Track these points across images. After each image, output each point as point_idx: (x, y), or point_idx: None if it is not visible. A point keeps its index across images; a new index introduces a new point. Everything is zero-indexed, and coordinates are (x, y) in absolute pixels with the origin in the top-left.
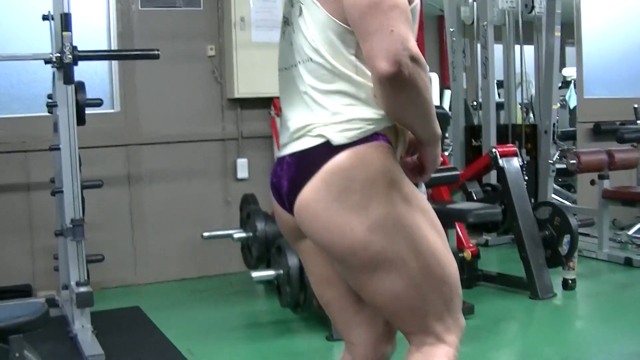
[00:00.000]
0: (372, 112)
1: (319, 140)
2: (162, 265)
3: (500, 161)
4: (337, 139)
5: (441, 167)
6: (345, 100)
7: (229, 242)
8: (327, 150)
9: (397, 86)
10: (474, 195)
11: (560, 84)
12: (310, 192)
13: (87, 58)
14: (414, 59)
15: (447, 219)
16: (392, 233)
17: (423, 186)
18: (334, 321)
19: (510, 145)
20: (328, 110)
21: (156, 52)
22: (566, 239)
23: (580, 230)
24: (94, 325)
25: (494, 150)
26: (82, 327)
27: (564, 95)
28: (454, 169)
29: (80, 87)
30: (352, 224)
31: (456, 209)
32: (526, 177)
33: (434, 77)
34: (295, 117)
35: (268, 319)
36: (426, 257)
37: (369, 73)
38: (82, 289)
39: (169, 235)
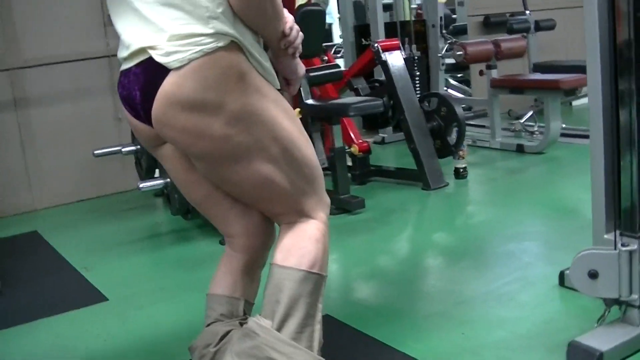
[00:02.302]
0: (205, 28)
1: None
2: (58, 188)
3: (382, 55)
4: (172, 62)
5: (324, 65)
6: (178, 13)
7: (125, 159)
8: None
9: None
10: (360, 91)
11: None
12: (165, 96)
13: None
14: None
15: (331, 114)
16: (248, 124)
17: None
18: (210, 218)
19: (393, 39)
20: (160, 26)
21: None
22: (454, 128)
23: (475, 121)
24: None
25: (375, 45)
26: None
27: None
28: (336, 66)
29: None
30: (210, 121)
31: (337, 104)
32: (417, 72)
33: None
34: (128, 32)
35: (163, 229)
36: (284, 143)
37: None
38: None
39: (63, 157)
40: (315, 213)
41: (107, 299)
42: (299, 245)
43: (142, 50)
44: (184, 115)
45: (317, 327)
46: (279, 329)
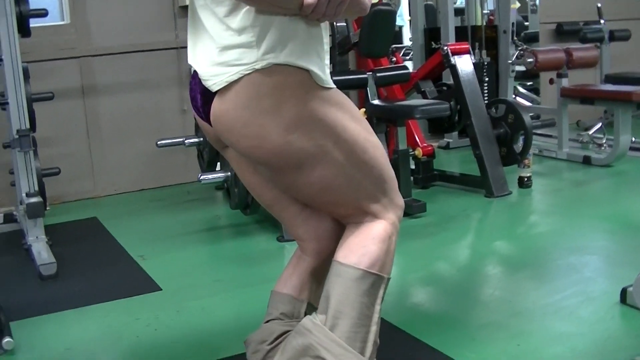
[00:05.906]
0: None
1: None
2: (120, 176)
3: (452, 59)
4: (218, 83)
5: (392, 66)
6: (227, 32)
7: (187, 152)
8: None
9: None
10: (427, 94)
11: None
12: (221, 103)
13: None
14: None
15: (396, 116)
16: (309, 129)
17: None
18: (280, 220)
19: (463, 42)
20: (218, 39)
21: None
22: (521, 136)
23: (542, 131)
24: (51, 237)
25: (445, 48)
26: (36, 238)
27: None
28: (404, 67)
29: None
30: (268, 128)
31: (403, 105)
32: (486, 78)
33: None
34: (194, 40)
35: (222, 223)
36: (348, 145)
37: None
38: (32, 200)
39: (127, 146)
40: (384, 214)
41: (161, 289)
42: (362, 244)
43: (202, 58)
44: (241, 122)
45: (373, 329)
46: (332, 326)
